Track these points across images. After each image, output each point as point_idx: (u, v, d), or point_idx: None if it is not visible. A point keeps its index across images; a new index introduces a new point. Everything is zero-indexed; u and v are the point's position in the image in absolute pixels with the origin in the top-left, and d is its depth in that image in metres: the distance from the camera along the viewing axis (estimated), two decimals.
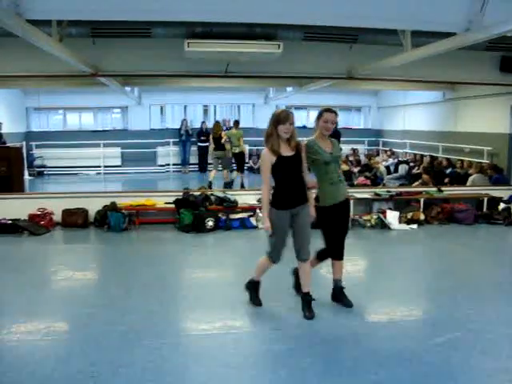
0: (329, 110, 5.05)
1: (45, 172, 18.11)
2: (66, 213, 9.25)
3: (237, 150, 13.86)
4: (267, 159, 4.82)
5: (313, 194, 5.09)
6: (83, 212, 9.27)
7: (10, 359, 4.17)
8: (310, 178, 5.03)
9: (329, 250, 5.25)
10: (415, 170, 14.66)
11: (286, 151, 4.82)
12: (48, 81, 11.68)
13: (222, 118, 18.66)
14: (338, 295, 5.33)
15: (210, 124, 18.07)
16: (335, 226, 5.18)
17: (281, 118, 4.78)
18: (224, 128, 16.15)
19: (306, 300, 5.03)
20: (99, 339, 4.51)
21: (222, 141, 13.68)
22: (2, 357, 4.21)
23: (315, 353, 4.24)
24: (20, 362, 4.09)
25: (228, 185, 13.34)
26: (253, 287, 5.30)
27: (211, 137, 13.91)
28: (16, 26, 5.56)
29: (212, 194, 9.73)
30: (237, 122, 14.49)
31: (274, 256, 5.03)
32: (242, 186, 13.54)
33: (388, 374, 3.88)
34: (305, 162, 4.96)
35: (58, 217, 9.26)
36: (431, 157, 14.96)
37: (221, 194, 9.71)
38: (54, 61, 8.04)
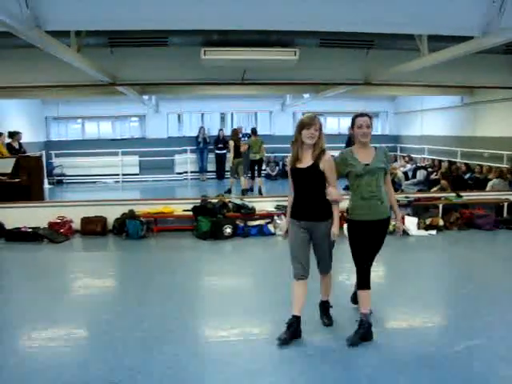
0: (360, 114, 4.66)
1: (64, 180, 18.30)
2: (85, 221, 9.34)
3: (257, 157, 14.02)
4: (288, 166, 4.75)
5: (337, 209, 4.62)
6: (102, 220, 9.34)
7: (32, 365, 4.20)
8: (335, 191, 4.55)
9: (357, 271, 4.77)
10: (433, 176, 14.55)
11: (306, 161, 4.51)
12: (67, 90, 11.84)
13: (237, 126, 18.72)
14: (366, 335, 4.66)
15: (227, 131, 18.16)
16: (361, 246, 4.68)
17: (304, 123, 4.49)
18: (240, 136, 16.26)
19: (324, 307, 4.99)
20: (118, 346, 4.54)
21: (242, 149, 13.76)
22: (24, 363, 4.25)
23: (334, 360, 4.22)
24: (41, 368, 4.13)
25: (247, 191, 13.38)
26: (290, 324, 4.61)
27: (232, 144, 13.88)
28: (36, 37, 5.65)
29: (230, 201, 9.75)
30: (255, 130, 14.62)
31: (294, 269, 4.66)
32: (260, 193, 13.56)
33: (408, 381, 3.85)
34: (329, 175, 4.52)
35: (77, 225, 9.36)
36: (449, 162, 14.84)
37: (238, 201, 9.72)
38: (72, 71, 8.14)
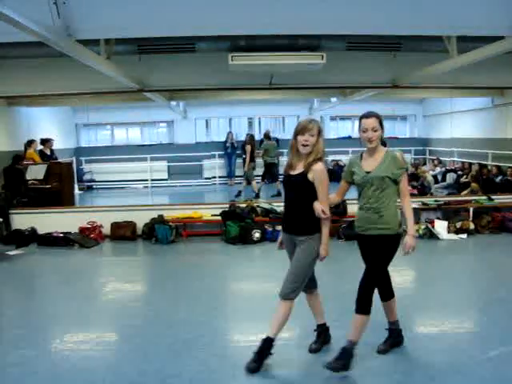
0: (366, 114, 4.16)
1: (94, 186, 18.52)
2: (115, 226, 9.45)
3: (275, 160, 14.45)
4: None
5: (327, 226, 4.09)
6: (131, 225, 9.44)
7: (64, 368, 4.27)
8: (319, 206, 3.99)
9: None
10: (463, 179, 14.33)
11: (298, 168, 4.12)
12: (97, 97, 12.03)
13: (266, 130, 18.77)
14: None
15: (257, 137, 18.28)
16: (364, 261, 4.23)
17: (299, 128, 4.08)
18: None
19: (264, 343, 4.16)
20: (147, 350, 4.57)
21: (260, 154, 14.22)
22: (56, 365, 4.32)
23: (364, 366, 4.17)
24: (73, 371, 4.19)
25: (258, 195, 13.64)
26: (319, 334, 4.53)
27: (249, 149, 14.06)
28: (67, 46, 5.78)
29: (258, 206, 9.76)
30: (268, 134, 15.25)
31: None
32: (279, 194, 13.69)
33: None
34: (318, 186, 4.01)
35: (106, 230, 9.48)
36: (480, 165, 14.59)
37: (267, 206, 9.73)
38: (102, 78, 8.28)
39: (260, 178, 14.79)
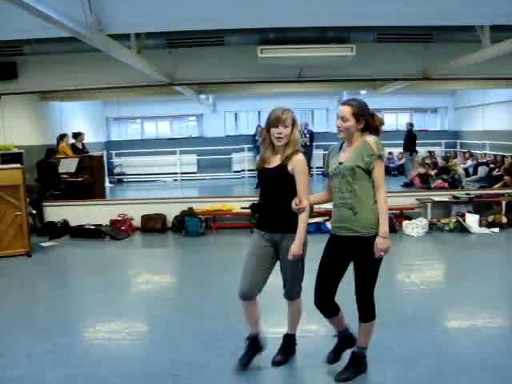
0: (343, 101, 3.77)
1: (124, 179, 18.75)
2: (145, 218, 9.57)
3: None
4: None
5: (303, 221, 3.75)
6: (162, 217, 9.55)
7: (96, 356, 4.37)
8: (296, 200, 3.73)
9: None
10: (496, 172, 14.09)
11: (274, 161, 3.82)
12: (127, 91, 12.15)
13: (299, 122, 18.80)
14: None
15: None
16: (324, 264, 3.85)
17: (271, 119, 3.76)
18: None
19: (289, 342, 4.22)
20: (178, 340, 4.64)
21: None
22: (89, 353, 4.44)
23: (393, 358, 4.17)
24: (105, 359, 4.30)
25: None
26: (250, 344, 4.10)
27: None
28: (99, 41, 5.84)
29: None
30: None
31: (240, 286, 4.01)
32: None
33: (471, 382, 3.76)
34: (298, 178, 3.71)
35: (137, 222, 9.61)
36: None
37: None
38: (132, 72, 8.35)
39: None
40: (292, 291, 4.00)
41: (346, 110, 3.62)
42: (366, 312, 3.77)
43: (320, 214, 9.33)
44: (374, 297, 3.75)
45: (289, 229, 3.77)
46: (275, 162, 3.79)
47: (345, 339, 4.00)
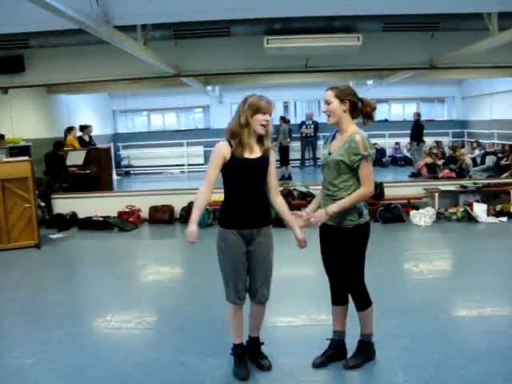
0: (329, 87, 3.75)
1: (131, 171, 18.82)
2: (153, 209, 9.62)
3: (288, 144, 15.54)
4: (221, 155, 3.62)
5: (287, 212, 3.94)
6: (169, 208, 9.59)
7: (107, 345, 4.44)
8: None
9: None
10: (504, 161, 14.03)
11: (254, 152, 3.64)
12: (133, 83, 12.17)
13: (306, 112, 18.86)
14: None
15: (295, 120, 18.72)
16: (321, 253, 4.00)
17: (262, 106, 3.56)
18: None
19: (257, 345, 4.02)
20: (187, 329, 4.69)
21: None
22: (100, 342, 4.51)
23: (401, 346, 4.19)
24: (116, 348, 4.37)
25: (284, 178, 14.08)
26: (235, 353, 3.90)
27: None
28: (106, 32, 5.86)
29: (295, 189, 9.76)
30: (285, 117, 16.44)
31: (229, 294, 3.84)
32: (289, 178, 14.35)
33: (478, 370, 3.76)
34: (272, 170, 3.76)
35: (145, 213, 9.66)
36: None
37: (304, 189, 9.71)
38: (138, 64, 8.36)
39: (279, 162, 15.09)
40: (267, 293, 3.83)
41: (329, 93, 3.67)
42: (361, 300, 3.80)
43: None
44: (365, 284, 3.79)
45: (266, 222, 3.80)
46: (256, 152, 3.65)
47: (337, 347, 3.98)
